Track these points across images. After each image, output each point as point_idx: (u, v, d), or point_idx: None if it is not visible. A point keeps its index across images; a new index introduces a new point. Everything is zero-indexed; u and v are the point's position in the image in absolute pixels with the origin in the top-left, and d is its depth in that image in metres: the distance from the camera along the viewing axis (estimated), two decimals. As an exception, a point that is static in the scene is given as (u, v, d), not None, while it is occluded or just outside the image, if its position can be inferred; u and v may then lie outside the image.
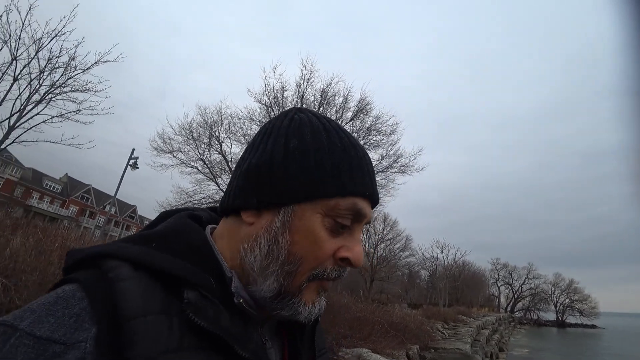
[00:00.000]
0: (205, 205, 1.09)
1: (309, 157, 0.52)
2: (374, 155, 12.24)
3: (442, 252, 44.44)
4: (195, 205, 5.91)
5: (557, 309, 59.27)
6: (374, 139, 12.30)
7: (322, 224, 0.51)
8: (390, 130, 12.47)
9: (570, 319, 58.22)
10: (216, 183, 12.14)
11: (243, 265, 0.53)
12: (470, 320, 22.03)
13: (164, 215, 0.61)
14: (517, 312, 59.28)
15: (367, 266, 27.30)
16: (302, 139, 0.53)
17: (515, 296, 60.55)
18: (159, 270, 0.46)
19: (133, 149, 16.28)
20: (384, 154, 12.47)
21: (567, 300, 58.97)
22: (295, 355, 0.60)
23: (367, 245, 28.01)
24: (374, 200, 0.57)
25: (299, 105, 11.88)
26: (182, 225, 0.56)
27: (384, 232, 29.20)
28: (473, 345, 13.57)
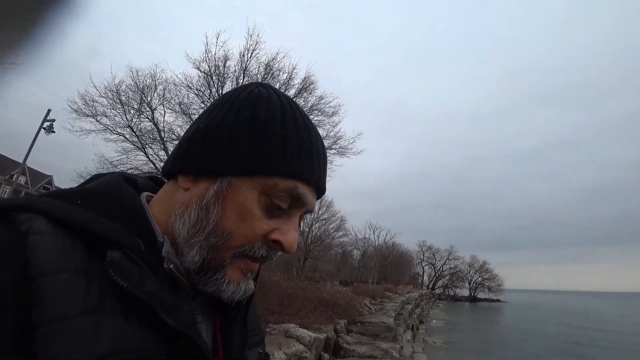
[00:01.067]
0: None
1: (257, 130, 0.49)
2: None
3: (374, 233, 46.93)
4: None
5: (471, 286, 66.57)
6: (316, 119, 12.29)
7: (257, 201, 0.49)
8: (332, 112, 12.56)
9: (480, 295, 65.84)
10: (145, 153, 11.20)
11: (172, 231, 0.50)
12: (396, 297, 23.72)
13: (97, 177, 0.56)
14: (437, 289, 65.41)
15: (302, 245, 27.79)
16: (254, 111, 0.51)
17: (437, 275, 66.64)
18: (81, 228, 0.41)
19: (49, 110, 14.39)
20: (325, 135, 12.57)
21: (480, 278, 66.41)
22: (227, 334, 0.56)
23: (302, 225, 28.35)
24: (319, 189, 0.55)
25: (242, 77, 11.39)
26: (115, 187, 0.52)
27: (320, 212, 29.65)
28: (396, 319, 14.64)
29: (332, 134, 12.66)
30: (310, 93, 12.13)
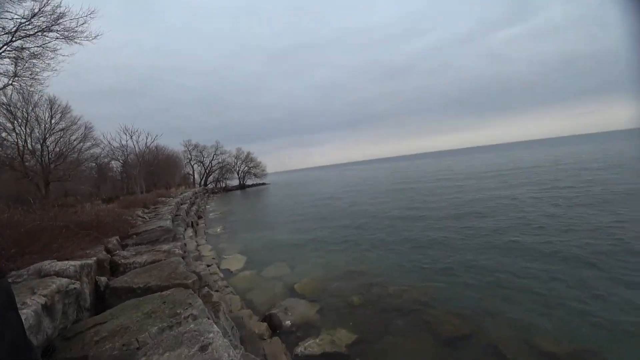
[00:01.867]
0: None
1: None
2: (18, 10, 8.55)
3: (131, 138, 41.78)
4: None
5: (239, 175, 73.51)
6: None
7: None
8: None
9: (249, 182, 74.35)
10: None
11: None
12: (170, 200, 23.29)
13: None
14: (209, 185, 68.70)
15: (36, 167, 21.61)
16: None
17: (207, 171, 69.04)
18: None
19: None
20: (36, 10, 9.00)
21: (246, 167, 73.87)
22: None
23: (29, 141, 21.54)
24: None
25: None
26: None
27: (53, 122, 23.12)
28: (174, 220, 14.62)
29: (48, 8, 9.18)
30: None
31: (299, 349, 6.15)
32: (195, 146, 66.71)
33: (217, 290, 8.20)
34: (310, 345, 6.24)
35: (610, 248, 10.64)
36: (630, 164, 30.77)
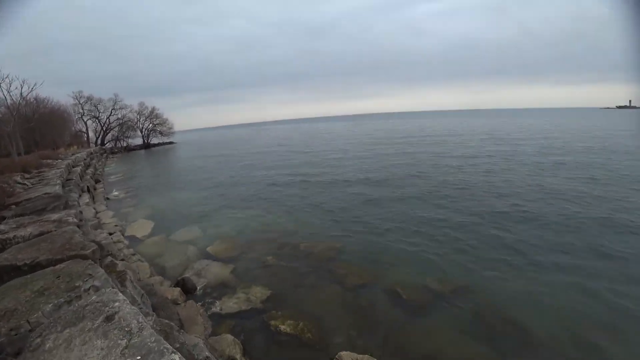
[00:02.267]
0: None
1: None
2: None
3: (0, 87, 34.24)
4: None
5: (143, 134, 66.52)
6: None
7: None
8: None
9: (154, 140, 67.92)
10: None
11: None
12: (58, 162, 20.30)
13: None
14: (107, 144, 60.84)
15: None
16: None
17: (104, 129, 60.78)
18: None
19: None
20: None
21: (151, 125, 66.98)
22: None
23: None
24: None
25: None
26: None
27: None
28: (66, 185, 12.93)
29: None
30: None
31: (215, 309, 6.30)
32: (89, 99, 57.30)
33: (122, 259, 7.73)
34: (226, 305, 6.43)
35: (485, 199, 12.79)
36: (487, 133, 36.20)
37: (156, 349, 2.43)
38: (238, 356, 4.78)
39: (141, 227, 11.65)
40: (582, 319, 5.85)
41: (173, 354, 2.41)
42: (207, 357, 3.90)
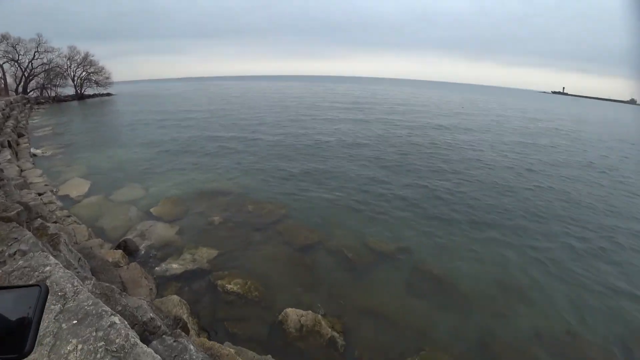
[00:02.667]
0: None
1: None
2: None
3: None
4: None
5: (75, 83, 59.55)
6: None
7: None
8: None
9: (89, 91, 61.30)
10: None
11: None
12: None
13: None
14: (31, 92, 53.75)
15: None
16: None
17: (27, 75, 53.38)
18: None
19: None
20: None
21: (85, 73, 59.99)
22: None
23: None
24: None
25: None
26: None
27: None
28: (-19, 139, 11.44)
29: None
30: None
31: (161, 271, 6.21)
32: (4, 37, 49.32)
33: (55, 222, 7.21)
34: (172, 266, 6.36)
35: (429, 164, 13.57)
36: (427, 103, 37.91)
37: (94, 312, 2.38)
38: (185, 316, 4.83)
39: (76, 187, 10.81)
40: (506, 273, 6.70)
41: (112, 316, 2.39)
42: (151, 318, 3.89)
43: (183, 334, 3.80)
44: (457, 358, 4.67)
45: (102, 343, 2.18)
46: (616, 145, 23.08)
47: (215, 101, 47.17)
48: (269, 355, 4.21)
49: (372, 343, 4.85)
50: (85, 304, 2.45)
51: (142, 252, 6.85)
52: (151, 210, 8.93)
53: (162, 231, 7.72)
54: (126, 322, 2.47)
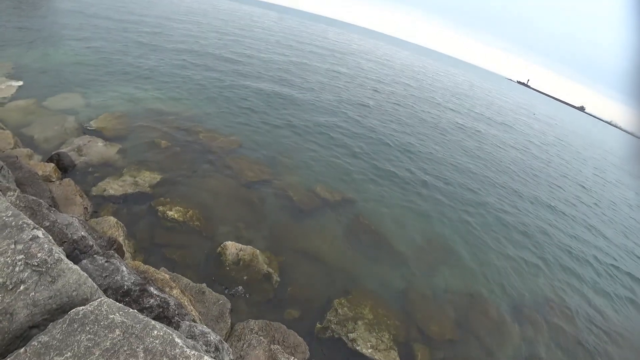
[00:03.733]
0: None
1: None
2: None
3: None
4: None
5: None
6: None
7: None
8: None
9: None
10: None
11: None
12: None
13: None
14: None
15: None
16: None
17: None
18: None
19: None
20: None
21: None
22: None
23: None
24: None
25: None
26: None
27: None
28: None
29: None
30: None
31: (98, 191, 5.92)
32: None
33: (-27, 121, 6.41)
34: (111, 186, 6.08)
35: (388, 118, 13.78)
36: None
37: (13, 223, 2.26)
38: (121, 239, 4.76)
39: (1, 86, 9.52)
40: (436, 234, 7.36)
41: (35, 230, 2.28)
42: (82, 236, 3.78)
43: (117, 255, 3.77)
44: (378, 301, 5.21)
45: (22, 256, 2.10)
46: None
47: (176, 11, 42.36)
48: (204, 284, 4.37)
49: (305, 282, 5.21)
50: (4, 214, 2.30)
51: (78, 169, 6.43)
52: (91, 123, 8.22)
53: (102, 148, 7.22)
54: (51, 237, 2.38)
